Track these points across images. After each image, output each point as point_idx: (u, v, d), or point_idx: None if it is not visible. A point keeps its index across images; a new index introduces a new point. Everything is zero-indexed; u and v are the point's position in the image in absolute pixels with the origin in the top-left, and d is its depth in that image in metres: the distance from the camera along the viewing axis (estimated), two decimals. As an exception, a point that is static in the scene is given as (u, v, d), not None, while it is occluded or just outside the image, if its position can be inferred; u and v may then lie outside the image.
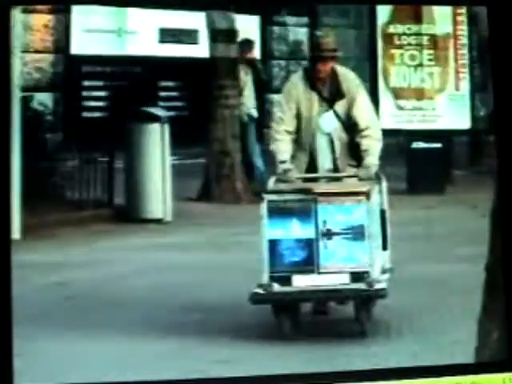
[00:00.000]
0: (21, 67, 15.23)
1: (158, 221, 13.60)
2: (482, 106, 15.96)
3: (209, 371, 7.25)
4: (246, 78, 15.05)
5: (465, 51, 15.00)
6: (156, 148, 13.38)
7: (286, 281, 7.98)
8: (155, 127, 13.28)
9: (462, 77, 14.93)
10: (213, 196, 14.66)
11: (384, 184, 8.94)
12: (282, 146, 8.83)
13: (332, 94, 8.88)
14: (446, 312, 8.64)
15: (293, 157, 8.87)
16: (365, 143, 8.84)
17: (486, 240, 6.13)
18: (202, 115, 15.65)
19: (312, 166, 8.84)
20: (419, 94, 14.91)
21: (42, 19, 16.11)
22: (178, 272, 10.76)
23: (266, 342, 8.03)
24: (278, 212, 8.16)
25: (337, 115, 8.88)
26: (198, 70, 16.21)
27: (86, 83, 15.94)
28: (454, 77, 14.95)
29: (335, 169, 9.02)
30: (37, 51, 15.55)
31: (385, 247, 8.63)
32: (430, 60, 14.97)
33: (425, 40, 14.94)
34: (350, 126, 8.81)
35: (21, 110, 12.34)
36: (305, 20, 19.02)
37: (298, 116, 8.94)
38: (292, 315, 8.23)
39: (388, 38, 15.15)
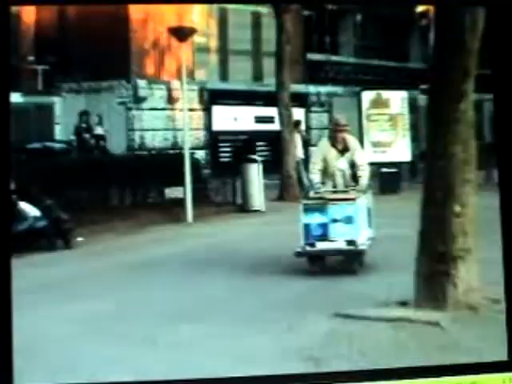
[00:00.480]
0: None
1: (258, 211, 18.78)
2: (414, 149, 19.72)
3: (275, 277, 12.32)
4: (298, 139, 20.01)
5: (406, 121, 19.13)
6: (255, 175, 18.67)
7: (313, 245, 13.16)
8: (255, 165, 18.68)
9: (404, 134, 19.06)
10: (284, 198, 20.08)
11: (369, 194, 14.15)
12: (315, 177, 14.01)
13: (343, 149, 14.02)
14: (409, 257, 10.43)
15: (322, 183, 14.01)
16: (360, 174, 13.95)
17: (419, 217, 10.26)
18: (277, 158, 20.37)
19: (334, 186, 14.02)
20: (384, 144, 19.40)
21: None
22: (268, 236, 15.69)
23: (304, 275, 12.82)
24: (309, 209, 13.26)
25: (346, 160, 14.02)
26: (274, 136, 20.36)
27: (221, 144, 19.17)
28: (401, 134, 19.26)
29: (346, 187, 14.10)
30: (197, 129, 18.69)
31: (370, 226, 13.92)
32: (389, 126, 19.12)
33: (387, 117, 19.12)
34: (353, 165, 13.96)
35: (192, 164, 16.94)
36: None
37: (325, 160, 14.02)
38: (318, 263, 13.23)
39: (368, 115, 19.27)
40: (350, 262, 13.31)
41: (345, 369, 7.64)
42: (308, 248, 13.22)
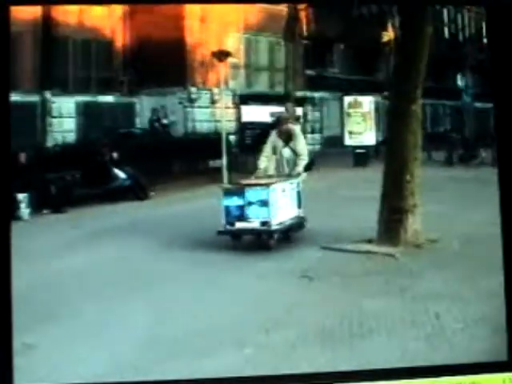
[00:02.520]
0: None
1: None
2: (378, 136, 18.51)
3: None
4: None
5: (373, 117, 18.48)
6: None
7: (232, 224, 11.35)
8: None
9: (371, 126, 18.35)
10: None
11: (301, 178, 12.09)
12: (259, 163, 12.42)
13: (287, 138, 12.39)
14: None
15: (273, 168, 12.34)
16: (297, 162, 12.23)
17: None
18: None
19: (279, 171, 12.28)
20: (357, 133, 18.53)
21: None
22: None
23: (226, 250, 10.97)
24: (228, 193, 11.46)
25: (290, 149, 12.32)
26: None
27: (247, 131, 18.28)
28: (369, 126, 18.47)
29: (289, 172, 12.28)
30: (230, 121, 18.09)
31: (299, 207, 11.96)
32: (361, 121, 18.40)
33: (360, 114, 18.46)
34: (294, 153, 12.22)
35: (227, 144, 16.27)
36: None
37: (274, 150, 12.39)
38: (238, 240, 11.46)
39: (347, 113, 18.62)
40: (264, 239, 11.50)
41: (343, 368, 6.17)
42: (228, 227, 11.61)
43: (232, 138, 18.16)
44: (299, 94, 20.66)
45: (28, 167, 13.04)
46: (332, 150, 19.04)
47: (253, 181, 12.02)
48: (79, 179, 13.91)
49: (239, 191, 11.47)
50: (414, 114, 10.44)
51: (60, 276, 9.23)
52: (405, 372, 5.39)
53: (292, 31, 19.74)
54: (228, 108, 18.58)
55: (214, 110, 18.87)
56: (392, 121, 10.99)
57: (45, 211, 13.11)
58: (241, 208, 11.39)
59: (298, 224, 11.95)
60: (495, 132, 5.98)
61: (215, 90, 18.80)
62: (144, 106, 17.82)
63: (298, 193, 12.13)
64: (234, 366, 6.47)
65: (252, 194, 11.46)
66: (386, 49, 20.96)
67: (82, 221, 12.42)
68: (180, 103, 18.64)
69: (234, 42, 19.14)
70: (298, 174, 12.26)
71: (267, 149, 12.47)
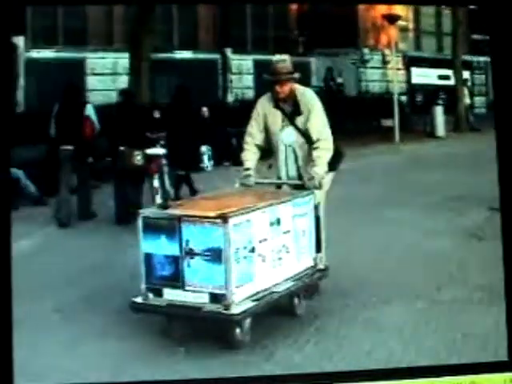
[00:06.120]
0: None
1: (441, 137, 17.41)
2: None
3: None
4: (465, 91, 19.46)
5: None
6: (440, 113, 18.03)
7: (159, 293, 5.80)
8: (439, 107, 17.93)
9: None
10: (458, 130, 18.72)
11: (318, 194, 6.76)
12: (249, 156, 6.99)
13: (292, 111, 7.03)
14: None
15: (270, 166, 7.22)
16: (314, 154, 6.92)
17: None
18: (452, 104, 19.31)
19: (277, 174, 7.12)
20: None
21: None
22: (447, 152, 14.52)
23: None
24: (150, 228, 5.85)
25: (298, 129, 7.01)
26: (450, 89, 19.26)
27: (416, 92, 18.16)
28: None
29: (299, 176, 7.05)
30: (400, 82, 17.95)
31: (318, 250, 6.66)
32: None
33: None
34: (308, 138, 6.99)
35: (398, 104, 16.17)
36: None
37: (267, 130, 7.05)
38: (175, 322, 5.93)
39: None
40: (223, 329, 5.90)
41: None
42: (151, 296, 6.00)
43: (403, 98, 18.16)
44: (465, 57, 20.23)
45: (210, 121, 13.06)
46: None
47: (189, 209, 5.92)
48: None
49: (171, 226, 5.69)
50: None
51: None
52: (405, 372, 5.20)
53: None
54: (398, 69, 18.40)
55: (385, 71, 18.74)
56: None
57: (225, 163, 13.07)
58: (174, 261, 5.71)
59: (312, 282, 6.63)
60: (496, 131, 5.55)
61: (386, 52, 18.66)
62: (319, 65, 17.83)
63: (317, 220, 6.70)
64: (408, 316, 6.48)
65: (194, 235, 5.67)
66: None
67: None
68: (353, 63, 18.57)
69: (404, 7, 18.71)
70: (313, 183, 6.79)
71: (255, 130, 7.11)
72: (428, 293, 6.94)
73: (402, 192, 11.11)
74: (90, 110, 10.00)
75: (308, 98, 7.14)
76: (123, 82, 13.28)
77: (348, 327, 6.25)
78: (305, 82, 17.69)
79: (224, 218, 5.63)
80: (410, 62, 19.10)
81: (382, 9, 18.14)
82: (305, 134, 7.07)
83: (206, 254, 5.68)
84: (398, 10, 18.37)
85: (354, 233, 8.84)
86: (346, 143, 15.26)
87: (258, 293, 5.89)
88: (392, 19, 17.32)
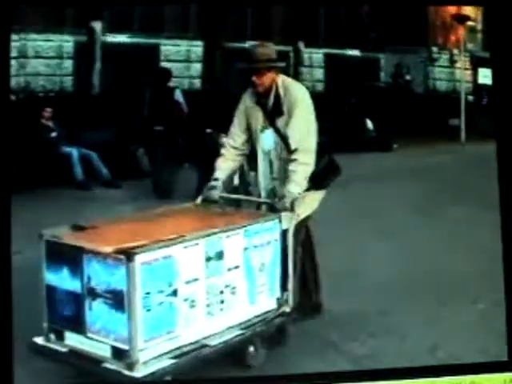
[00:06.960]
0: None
1: None
2: None
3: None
4: None
5: None
6: None
7: (60, 336, 4.51)
8: None
9: None
10: None
11: (295, 217, 5.12)
12: (221, 164, 5.48)
13: (273, 109, 5.40)
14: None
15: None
16: (289, 168, 5.28)
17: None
18: None
19: (246, 187, 6.25)
20: None
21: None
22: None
23: None
24: (54, 257, 4.44)
25: (279, 132, 5.38)
26: None
27: (484, 93, 17.75)
28: None
29: (273, 190, 5.42)
30: (468, 81, 17.54)
31: (284, 286, 5.05)
32: None
33: None
34: (286, 143, 5.36)
35: (465, 104, 16.01)
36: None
37: (249, 130, 5.54)
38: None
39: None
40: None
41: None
42: (52, 338, 4.55)
43: (470, 98, 17.93)
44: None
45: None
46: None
47: (87, 240, 4.40)
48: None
49: (73, 257, 4.33)
50: None
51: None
52: (405, 372, 4.91)
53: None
54: (466, 69, 18.20)
55: (452, 70, 18.63)
56: None
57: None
58: (75, 300, 4.40)
59: (272, 329, 5.12)
60: (495, 134, 5.25)
61: (454, 51, 18.59)
62: (388, 62, 17.84)
63: (284, 251, 5.09)
64: (468, 317, 6.25)
65: (95, 270, 4.27)
66: None
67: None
68: (421, 61, 18.46)
69: (473, 8, 18.47)
70: (283, 203, 5.20)
71: (236, 128, 5.66)
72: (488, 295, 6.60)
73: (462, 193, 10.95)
74: (178, 94, 10.26)
75: (293, 94, 5.33)
76: (196, 69, 13.84)
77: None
78: (373, 76, 17.84)
79: (128, 255, 4.06)
80: (477, 63, 18.93)
81: (451, 9, 18.10)
82: (286, 139, 5.35)
83: (108, 296, 4.21)
84: (467, 10, 18.25)
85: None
86: (414, 141, 15.53)
87: (180, 347, 4.39)
88: (461, 19, 17.28)
